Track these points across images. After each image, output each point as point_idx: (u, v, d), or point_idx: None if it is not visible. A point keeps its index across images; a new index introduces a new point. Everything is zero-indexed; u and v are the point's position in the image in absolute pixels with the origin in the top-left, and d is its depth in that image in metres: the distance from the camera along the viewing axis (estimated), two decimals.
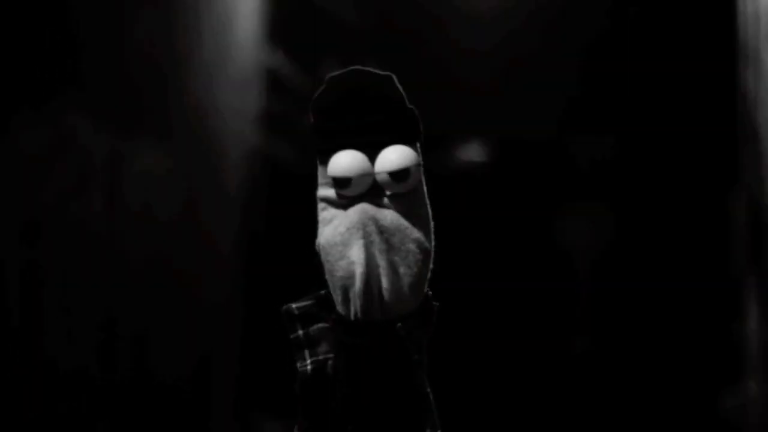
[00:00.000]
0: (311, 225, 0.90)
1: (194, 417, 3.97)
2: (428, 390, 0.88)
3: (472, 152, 7.04)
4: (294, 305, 0.90)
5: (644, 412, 6.02)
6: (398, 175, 0.85)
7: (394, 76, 0.90)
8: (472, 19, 6.54)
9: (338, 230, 0.86)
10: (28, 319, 2.62)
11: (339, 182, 0.86)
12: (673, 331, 6.29)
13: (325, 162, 0.87)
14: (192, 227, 3.89)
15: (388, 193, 0.87)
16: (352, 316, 0.85)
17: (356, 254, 0.84)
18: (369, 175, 0.86)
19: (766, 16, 3.47)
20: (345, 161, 0.86)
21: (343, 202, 0.87)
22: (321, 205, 0.88)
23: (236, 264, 4.49)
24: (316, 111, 0.88)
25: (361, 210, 0.86)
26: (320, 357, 0.88)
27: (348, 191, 0.86)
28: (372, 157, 0.86)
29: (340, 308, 0.87)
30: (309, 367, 0.88)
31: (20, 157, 2.58)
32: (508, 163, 6.96)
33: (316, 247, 0.88)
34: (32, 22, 2.63)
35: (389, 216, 0.86)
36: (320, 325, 0.89)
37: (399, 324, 0.86)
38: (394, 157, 0.86)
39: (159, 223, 3.53)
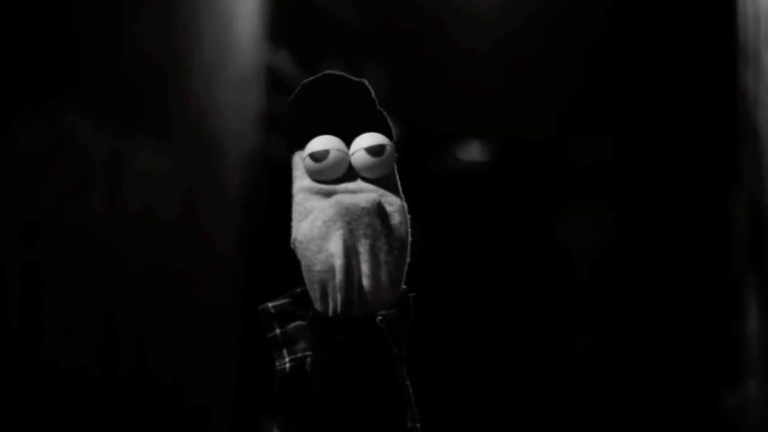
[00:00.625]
0: None
1: (194, 417, 3.97)
2: (407, 383, 0.87)
3: (473, 152, 7.04)
4: (270, 304, 0.90)
5: (644, 412, 6.02)
6: (374, 150, 0.86)
7: (366, 82, 0.91)
8: (472, 19, 6.54)
9: (315, 224, 0.85)
10: (28, 319, 2.62)
11: (316, 157, 0.86)
12: (673, 331, 6.29)
13: (300, 148, 0.89)
14: (192, 227, 3.88)
15: (363, 176, 0.88)
16: (330, 312, 0.85)
17: (335, 246, 0.84)
18: (344, 154, 0.87)
19: (766, 16, 3.47)
20: (322, 139, 0.87)
21: (319, 190, 0.88)
22: (297, 199, 0.90)
23: (236, 264, 4.49)
24: (291, 110, 0.91)
25: (336, 202, 0.85)
26: (298, 355, 0.88)
27: (325, 170, 0.87)
28: (347, 144, 0.88)
29: (317, 305, 0.86)
30: (287, 366, 0.87)
31: (20, 157, 2.58)
32: (509, 163, 6.96)
33: (291, 244, 0.88)
34: (32, 22, 2.63)
35: (367, 201, 0.86)
36: (297, 323, 0.89)
37: (379, 317, 0.85)
38: (369, 137, 0.87)
39: (159, 223, 3.53)
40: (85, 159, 2.94)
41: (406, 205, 0.90)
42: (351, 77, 0.90)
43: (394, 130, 0.90)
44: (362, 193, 0.87)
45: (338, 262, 0.83)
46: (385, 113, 0.90)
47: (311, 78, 0.91)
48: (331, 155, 0.86)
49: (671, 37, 6.25)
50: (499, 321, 6.65)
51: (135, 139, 3.32)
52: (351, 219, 0.84)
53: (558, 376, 6.50)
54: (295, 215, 0.89)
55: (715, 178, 5.94)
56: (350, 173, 0.88)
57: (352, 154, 0.87)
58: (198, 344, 4.00)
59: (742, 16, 3.98)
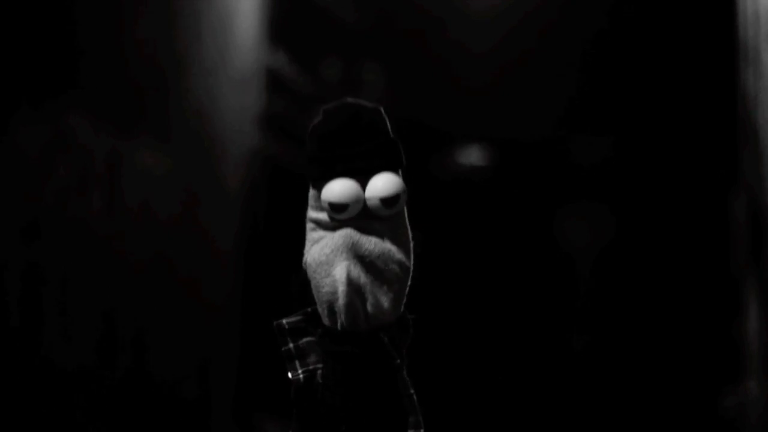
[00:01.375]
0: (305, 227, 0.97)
1: (194, 417, 3.97)
2: (412, 391, 0.95)
3: (473, 153, 7.04)
4: (284, 320, 0.97)
5: (644, 411, 6.02)
6: (389, 201, 0.93)
7: (381, 109, 0.96)
8: (472, 19, 6.54)
9: (324, 251, 0.94)
10: (28, 319, 2.63)
11: (335, 207, 0.93)
12: (673, 331, 6.29)
13: (317, 187, 0.94)
14: (192, 227, 3.89)
15: (376, 216, 0.94)
16: (339, 327, 0.93)
17: (339, 273, 0.92)
18: (361, 201, 0.93)
19: (766, 16, 3.47)
20: (340, 188, 0.93)
21: (332, 225, 0.94)
22: (310, 226, 0.96)
23: (236, 264, 4.49)
24: (313, 140, 0.95)
25: (345, 235, 0.93)
26: (310, 367, 0.96)
27: (342, 215, 0.93)
28: (362, 183, 0.94)
29: (326, 320, 0.94)
30: (301, 376, 0.95)
31: (20, 157, 2.58)
32: (509, 163, 6.96)
33: (303, 265, 0.95)
34: (32, 22, 2.63)
35: (373, 241, 0.94)
36: (308, 338, 0.97)
37: (382, 332, 0.93)
38: (385, 184, 0.94)
39: (159, 223, 3.53)
40: (85, 159, 2.94)
41: (411, 234, 0.97)
42: (367, 106, 0.96)
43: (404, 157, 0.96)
44: (371, 236, 0.94)
45: (341, 288, 0.92)
46: (398, 141, 0.96)
47: (330, 106, 0.96)
48: (349, 209, 0.93)
49: (671, 37, 6.25)
50: (499, 319, 6.65)
51: (135, 139, 3.32)
52: (356, 254, 0.93)
53: (559, 375, 6.50)
54: (308, 239, 0.96)
55: (715, 178, 5.94)
56: (364, 211, 0.94)
57: (368, 198, 0.94)
58: (197, 343, 4.00)
59: (742, 16, 3.98)
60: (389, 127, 0.95)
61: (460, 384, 6.33)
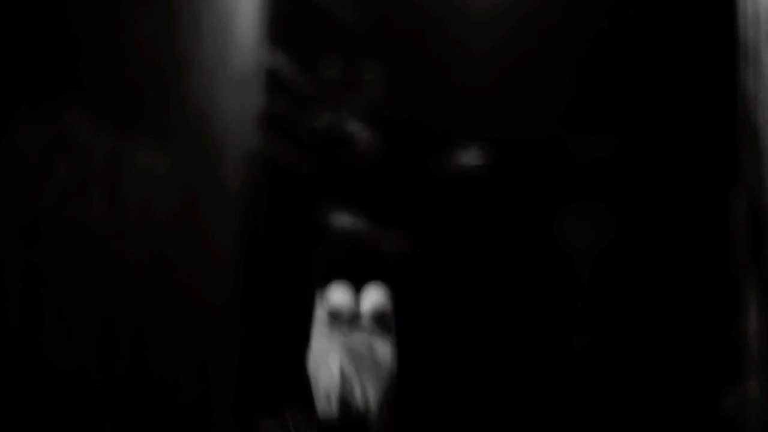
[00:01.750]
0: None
1: (194, 417, 3.97)
2: None
3: (472, 153, 7.04)
4: (290, 421, 1.16)
5: (644, 411, 6.02)
6: (377, 315, 1.14)
7: (379, 242, 1.13)
8: (472, 19, 6.54)
9: (322, 348, 1.14)
10: (28, 319, 2.63)
11: (334, 312, 1.13)
12: (673, 331, 6.29)
13: (324, 290, 1.11)
14: (192, 227, 3.89)
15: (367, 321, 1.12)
16: (333, 411, 1.10)
17: (334, 368, 1.12)
18: (355, 309, 1.13)
19: (766, 16, 3.47)
20: (339, 298, 1.16)
21: (332, 324, 1.14)
22: (317, 321, 1.14)
23: (236, 264, 4.49)
24: (323, 259, 1.11)
25: (341, 334, 1.14)
26: None
27: (340, 318, 1.12)
28: (359, 291, 1.12)
29: (322, 406, 1.11)
30: None
31: (20, 157, 2.58)
32: (509, 163, 6.96)
33: (307, 358, 1.12)
34: (32, 22, 2.63)
35: (363, 343, 1.13)
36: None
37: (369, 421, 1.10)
38: (374, 299, 1.17)
39: (159, 223, 3.53)
40: (85, 159, 2.94)
41: (394, 338, 1.13)
42: (366, 238, 1.11)
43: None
44: (361, 337, 1.11)
45: (335, 381, 1.06)
46: (390, 263, 1.11)
47: (338, 235, 1.13)
48: (344, 314, 1.10)
49: (671, 37, 6.25)
50: (499, 319, 6.65)
51: (135, 139, 3.32)
52: (348, 355, 1.07)
53: (559, 376, 6.50)
54: (313, 334, 1.16)
55: (715, 178, 5.94)
56: (358, 316, 1.10)
57: (361, 307, 1.11)
58: (197, 344, 4.00)
59: (742, 16, 3.98)
60: (382, 255, 1.12)
61: (459, 384, 6.33)
